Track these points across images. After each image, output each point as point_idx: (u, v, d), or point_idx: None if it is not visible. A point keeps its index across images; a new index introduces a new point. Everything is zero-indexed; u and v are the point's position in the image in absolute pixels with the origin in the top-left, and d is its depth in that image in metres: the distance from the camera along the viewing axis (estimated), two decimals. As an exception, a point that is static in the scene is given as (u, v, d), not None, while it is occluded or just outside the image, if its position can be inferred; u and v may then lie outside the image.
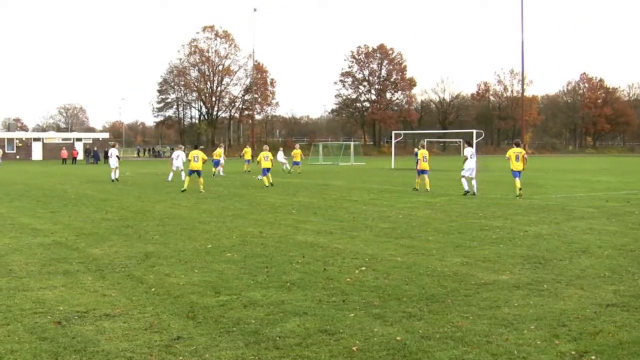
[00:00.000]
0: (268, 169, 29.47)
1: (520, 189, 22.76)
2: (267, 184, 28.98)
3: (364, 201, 21.91)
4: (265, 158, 29.56)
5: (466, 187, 23.99)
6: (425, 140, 33.68)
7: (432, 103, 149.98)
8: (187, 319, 6.98)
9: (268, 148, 30.81)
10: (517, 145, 24.14)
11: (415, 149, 28.15)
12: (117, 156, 35.03)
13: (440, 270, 9.73)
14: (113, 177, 33.63)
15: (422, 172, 26.21)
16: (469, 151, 24.99)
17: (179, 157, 33.62)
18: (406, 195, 24.18)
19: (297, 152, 45.49)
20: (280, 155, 46.12)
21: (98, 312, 7.24)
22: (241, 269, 9.81)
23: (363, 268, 9.92)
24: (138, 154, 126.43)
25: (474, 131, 45.90)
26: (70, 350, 5.93)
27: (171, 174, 33.70)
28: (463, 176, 24.29)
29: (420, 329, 6.62)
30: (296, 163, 45.07)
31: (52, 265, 10.12)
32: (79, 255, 10.98)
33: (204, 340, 6.25)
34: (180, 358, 5.78)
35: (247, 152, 46.65)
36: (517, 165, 23.09)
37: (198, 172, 26.54)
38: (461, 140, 61.01)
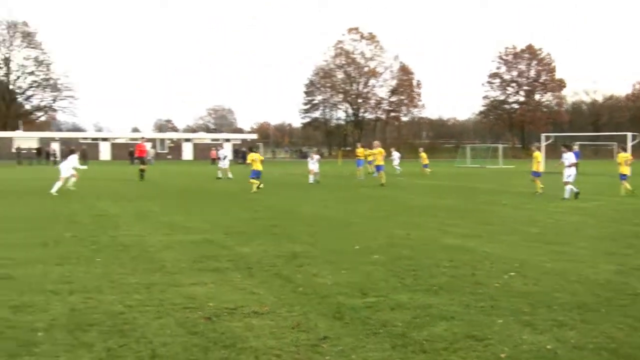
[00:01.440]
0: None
1: None
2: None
3: (512, 205, 21.54)
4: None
5: (567, 195, 23.46)
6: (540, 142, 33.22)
7: (583, 104, 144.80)
8: (334, 319, 7.15)
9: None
10: None
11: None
12: (228, 158, 36.69)
13: (592, 278, 9.43)
14: (219, 175, 35.06)
15: (536, 174, 26.54)
16: (572, 157, 24.18)
17: (225, 158, 34.90)
18: (556, 199, 23.49)
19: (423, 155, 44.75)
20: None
21: (247, 309, 7.53)
22: (388, 271, 9.90)
23: (512, 273, 9.76)
24: (291, 154, 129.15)
25: (629, 134, 44.04)
26: (220, 346, 6.22)
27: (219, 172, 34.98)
28: (567, 182, 23.60)
29: (572, 339, 6.46)
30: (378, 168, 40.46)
31: (202, 262, 10.58)
32: (228, 253, 11.43)
33: (350, 340, 6.38)
34: (327, 357, 5.92)
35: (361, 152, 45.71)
36: None
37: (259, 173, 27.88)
38: (615, 143, 58.57)
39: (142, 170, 36.60)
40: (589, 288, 8.78)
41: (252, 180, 27.97)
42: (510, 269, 10.13)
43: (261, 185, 28.13)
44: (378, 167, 34.11)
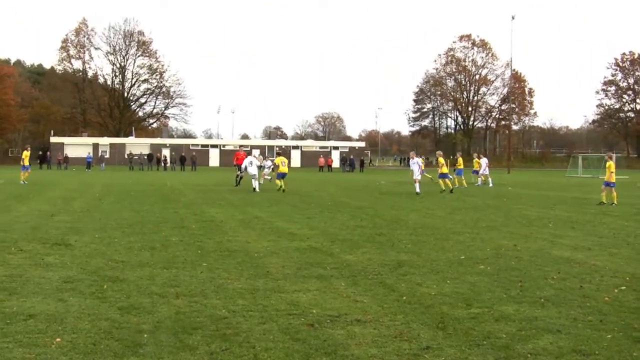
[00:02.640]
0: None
1: None
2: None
3: (625, 216, 20.84)
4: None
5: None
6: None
7: None
8: (437, 329, 7.06)
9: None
10: None
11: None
12: (257, 166, 35.34)
13: None
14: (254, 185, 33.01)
15: (608, 184, 26.62)
16: None
17: (252, 164, 33.85)
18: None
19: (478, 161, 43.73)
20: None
21: (349, 317, 7.53)
22: (494, 282, 9.73)
23: (623, 287, 9.41)
24: (400, 162, 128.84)
25: None
26: (321, 353, 6.23)
27: (254, 182, 33.19)
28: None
29: (687, 357, 6.19)
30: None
31: (306, 269, 10.66)
32: (333, 261, 11.47)
33: (453, 351, 6.29)
34: (430, 368, 5.89)
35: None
36: None
37: (284, 175, 32.72)
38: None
39: (238, 177, 37.48)
40: None
41: (277, 181, 33.21)
42: (620, 282, 9.79)
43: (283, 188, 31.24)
44: (440, 175, 34.82)
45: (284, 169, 33.57)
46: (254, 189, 32.63)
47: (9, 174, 50.60)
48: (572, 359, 6.13)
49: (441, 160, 35.76)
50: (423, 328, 7.11)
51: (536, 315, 7.68)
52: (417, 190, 31.70)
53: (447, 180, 34.60)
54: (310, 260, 11.46)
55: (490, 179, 42.31)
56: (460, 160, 41.06)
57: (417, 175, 32.67)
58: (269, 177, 38.10)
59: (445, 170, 34.73)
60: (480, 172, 43.26)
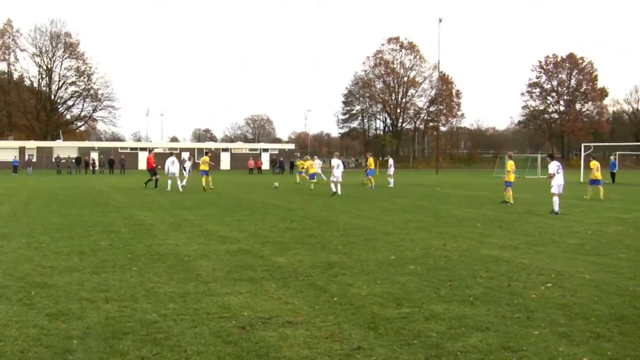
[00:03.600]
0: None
1: None
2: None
3: (551, 215, 21.32)
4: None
5: (556, 208, 21.90)
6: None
7: (625, 114, 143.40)
8: (368, 330, 7.12)
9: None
10: None
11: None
12: (184, 167, 37.35)
13: (632, 290, 9.31)
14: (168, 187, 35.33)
15: (595, 182, 28.12)
16: (553, 166, 22.84)
17: (174, 164, 35.41)
18: (596, 210, 23.29)
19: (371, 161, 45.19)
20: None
21: (281, 319, 7.54)
22: (424, 282, 9.85)
23: (549, 284, 9.66)
24: (353, 165, 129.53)
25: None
26: (253, 355, 6.22)
27: (169, 182, 35.53)
28: (554, 194, 22.22)
29: (609, 351, 6.37)
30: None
31: (237, 271, 10.61)
32: (263, 263, 11.44)
33: (384, 351, 6.35)
34: (361, 368, 5.93)
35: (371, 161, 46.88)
36: None
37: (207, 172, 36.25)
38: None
39: (151, 180, 37.97)
40: (628, 300, 8.67)
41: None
42: (547, 280, 10.04)
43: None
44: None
45: (204, 167, 37.08)
46: (181, 187, 34.95)
47: None
48: (501, 355, 6.25)
49: (371, 160, 41.01)
50: (354, 328, 7.16)
51: (465, 314, 7.82)
52: (334, 189, 31.99)
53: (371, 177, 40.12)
54: (241, 263, 11.42)
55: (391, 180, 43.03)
56: (371, 160, 42.09)
57: (334, 177, 32.94)
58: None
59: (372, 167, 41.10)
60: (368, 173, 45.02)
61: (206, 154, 38.12)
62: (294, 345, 6.52)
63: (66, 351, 6.28)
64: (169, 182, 35.92)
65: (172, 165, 35.99)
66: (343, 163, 35.36)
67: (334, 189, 31.72)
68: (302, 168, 47.43)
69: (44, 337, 6.74)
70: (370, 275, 10.33)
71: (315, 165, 42.81)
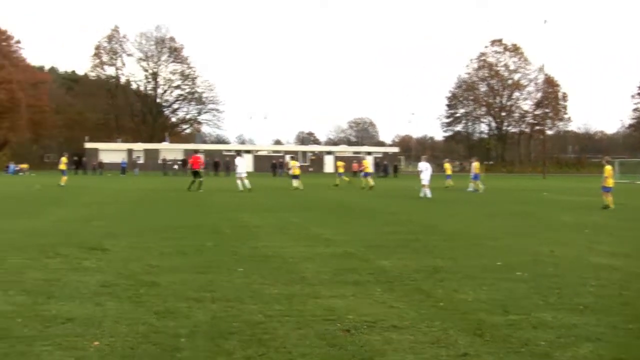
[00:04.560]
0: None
1: None
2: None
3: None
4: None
5: None
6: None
7: None
8: (475, 336, 7.03)
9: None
10: None
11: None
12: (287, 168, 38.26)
13: None
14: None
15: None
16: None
17: (241, 164, 37.99)
18: None
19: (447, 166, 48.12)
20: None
21: (386, 323, 7.52)
22: (531, 289, 9.64)
23: (664, 294, 9.33)
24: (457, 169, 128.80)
25: None
26: (358, 359, 6.21)
27: (239, 182, 36.65)
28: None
29: None
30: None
31: (342, 274, 10.64)
32: (368, 267, 11.44)
33: (491, 358, 6.25)
34: (468, 375, 5.87)
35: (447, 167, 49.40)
36: None
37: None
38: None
39: (195, 182, 37.78)
40: None
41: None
42: (663, 289, 9.69)
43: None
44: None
45: (296, 171, 41.47)
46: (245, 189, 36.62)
47: (46, 179, 51.20)
48: (613, 367, 6.08)
49: (476, 164, 41.28)
50: (460, 334, 7.08)
51: (575, 323, 7.61)
52: (428, 194, 32.05)
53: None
54: (346, 266, 11.44)
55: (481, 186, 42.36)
56: (476, 164, 41.78)
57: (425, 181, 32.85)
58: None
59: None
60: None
61: (292, 158, 39.17)
62: (399, 350, 6.50)
63: (174, 349, 6.45)
64: (239, 182, 37.50)
65: (241, 166, 37.89)
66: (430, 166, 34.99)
67: (426, 193, 31.74)
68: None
69: (153, 334, 6.94)
70: (476, 281, 10.19)
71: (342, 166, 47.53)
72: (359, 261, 12.08)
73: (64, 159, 45.95)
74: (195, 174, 38.04)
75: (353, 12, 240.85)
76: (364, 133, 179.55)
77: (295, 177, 43.74)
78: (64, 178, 44.24)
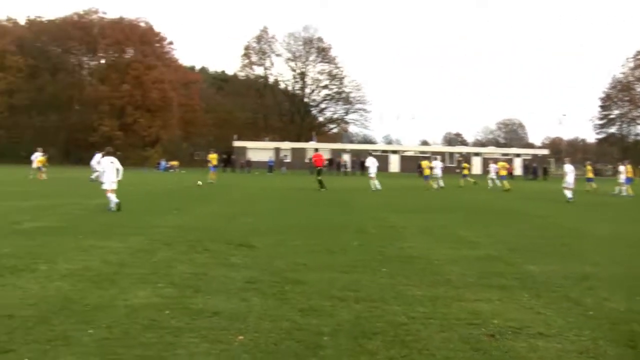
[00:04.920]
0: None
1: None
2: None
3: None
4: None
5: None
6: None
7: None
8: (627, 348, 6.76)
9: None
10: None
11: None
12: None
13: None
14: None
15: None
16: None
17: (374, 164, 39.14)
18: None
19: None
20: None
21: (532, 329, 7.35)
22: (693, 300, 9.16)
23: None
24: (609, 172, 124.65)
25: None
26: (503, 364, 6.16)
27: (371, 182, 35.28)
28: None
29: None
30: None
31: (487, 278, 10.48)
32: (515, 271, 11.19)
33: (645, 371, 6.03)
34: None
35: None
36: None
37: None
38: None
39: (320, 181, 37.39)
40: None
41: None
42: None
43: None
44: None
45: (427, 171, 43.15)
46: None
47: (195, 177, 53.02)
48: None
49: (629, 168, 40.70)
50: (611, 346, 6.83)
51: None
52: (569, 196, 31.28)
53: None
54: (492, 270, 11.26)
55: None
56: (629, 168, 40.95)
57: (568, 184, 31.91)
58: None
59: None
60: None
61: (425, 159, 39.29)
62: (545, 358, 6.36)
63: (317, 346, 6.55)
64: (371, 182, 38.18)
65: (373, 166, 38.73)
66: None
67: (569, 196, 30.92)
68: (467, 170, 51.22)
69: (296, 331, 7.07)
70: (629, 290, 9.76)
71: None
72: (504, 265, 11.86)
73: (213, 156, 47.00)
74: (318, 172, 38.26)
75: (507, 12, 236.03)
76: (512, 134, 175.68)
77: (426, 177, 44.75)
78: (213, 175, 45.57)
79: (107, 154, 21.50)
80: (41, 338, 6.57)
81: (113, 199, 20.54)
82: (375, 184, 37.95)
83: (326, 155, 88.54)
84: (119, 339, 6.63)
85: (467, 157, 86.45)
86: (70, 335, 6.69)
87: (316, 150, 41.29)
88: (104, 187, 20.85)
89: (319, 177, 37.39)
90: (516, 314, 8.06)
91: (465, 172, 52.18)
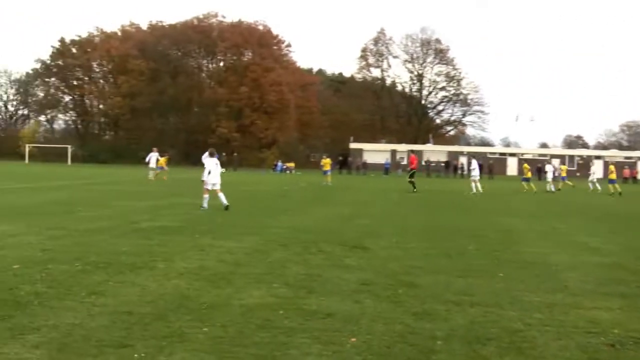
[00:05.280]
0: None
1: None
2: None
3: None
4: None
5: None
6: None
7: None
8: None
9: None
10: None
11: None
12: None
13: None
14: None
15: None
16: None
17: (475, 167, 38.50)
18: None
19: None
20: None
21: (660, 340, 7.11)
22: None
23: None
24: None
25: None
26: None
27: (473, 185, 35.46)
28: None
29: None
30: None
31: (608, 285, 10.17)
32: (637, 279, 10.84)
33: None
34: None
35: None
36: None
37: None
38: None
39: (412, 183, 37.15)
40: None
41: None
42: None
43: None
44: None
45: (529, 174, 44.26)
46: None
47: (310, 178, 53.66)
48: None
49: None
50: None
51: None
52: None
53: None
54: (612, 277, 10.92)
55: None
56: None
57: None
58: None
59: None
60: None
61: (525, 162, 38.94)
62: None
63: (430, 351, 6.52)
64: (473, 185, 37.95)
65: (476, 168, 38.44)
66: None
67: None
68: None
69: (409, 335, 7.05)
70: None
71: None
72: (627, 273, 11.47)
73: (326, 161, 49.17)
74: (412, 174, 38.04)
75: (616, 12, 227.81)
76: (637, 137, 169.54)
77: (525, 179, 44.76)
78: (328, 177, 47.04)
79: (212, 154, 21.81)
80: (158, 334, 6.80)
81: (223, 200, 20.97)
82: (478, 187, 37.68)
83: (443, 158, 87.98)
84: (233, 337, 6.78)
85: (563, 160, 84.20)
86: (185, 333, 6.89)
87: (412, 151, 41.03)
88: (206, 187, 21.27)
89: (412, 179, 37.38)
90: (638, 324, 7.78)
91: (563, 174, 50.88)
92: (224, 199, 20.93)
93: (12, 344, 6.33)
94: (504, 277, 10.65)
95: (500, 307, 8.42)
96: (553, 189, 43.89)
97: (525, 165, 47.50)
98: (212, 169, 21.24)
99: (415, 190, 36.19)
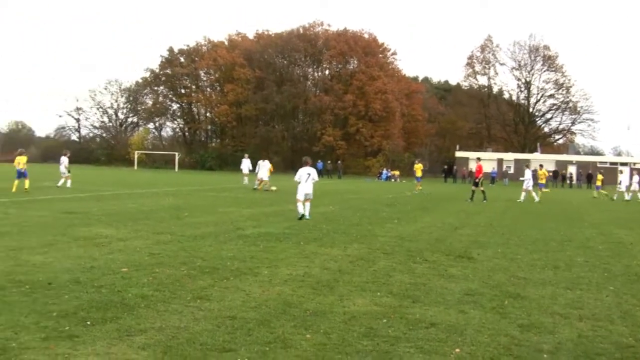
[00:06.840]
0: None
1: None
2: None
3: None
4: None
5: None
6: None
7: None
8: None
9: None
10: None
11: None
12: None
13: None
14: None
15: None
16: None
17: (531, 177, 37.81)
18: None
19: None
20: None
21: None
22: None
23: None
24: None
25: None
26: None
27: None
28: None
29: None
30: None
31: None
32: None
33: None
34: None
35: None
36: None
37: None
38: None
39: (473, 192, 36.55)
40: None
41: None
42: None
43: None
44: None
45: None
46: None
47: (413, 186, 53.36)
48: None
49: None
50: None
51: None
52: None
53: None
54: None
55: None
56: None
57: None
58: None
59: None
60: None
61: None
62: None
63: (537, 364, 6.40)
64: (523, 194, 37.99)
65: (528, 179, 38.12)
66: None
67: None
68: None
69: (515, 347, 6.94)
70: None
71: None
72: None
73: (418, 166, 49.98)
74: (477, 182, 37.18)
75: None
76: None
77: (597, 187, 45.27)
78: (419, 185, 48.14)
79: (305, 163, 21.46)
80: (261, 340, 6.89)
81: (300, 209, 20.65)
82: (534, 196, 37.37)
83: (550, 167, 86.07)
84: (336, 345, 6.81)
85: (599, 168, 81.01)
86: (288, 339, 6.97)
87: (479, 159, 40.14)
88: (297, 197, 20.88)
89: (482, 188, 36.64)
90: None
91: (599, 183, 49.23)
92: (307, 210, 20.85)
93: (120, 345, 6.54)
94: (614, 290, 10.37)
95: (611, 322, 8.20)
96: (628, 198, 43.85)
97: (599, 175, 46.96)
98: (302, 179, 20.83)
99: (485, 200, 35.49)
